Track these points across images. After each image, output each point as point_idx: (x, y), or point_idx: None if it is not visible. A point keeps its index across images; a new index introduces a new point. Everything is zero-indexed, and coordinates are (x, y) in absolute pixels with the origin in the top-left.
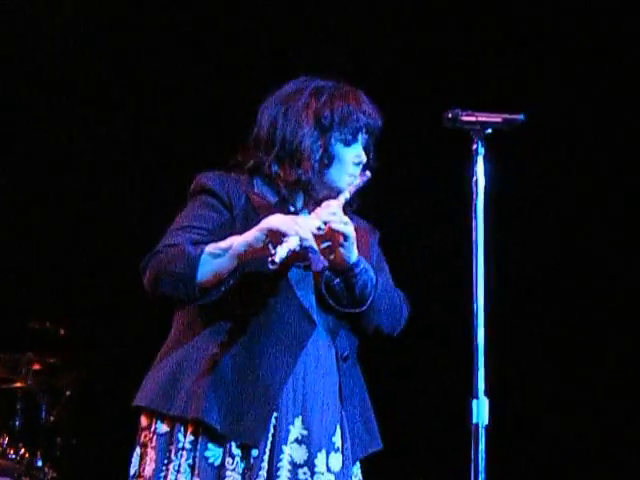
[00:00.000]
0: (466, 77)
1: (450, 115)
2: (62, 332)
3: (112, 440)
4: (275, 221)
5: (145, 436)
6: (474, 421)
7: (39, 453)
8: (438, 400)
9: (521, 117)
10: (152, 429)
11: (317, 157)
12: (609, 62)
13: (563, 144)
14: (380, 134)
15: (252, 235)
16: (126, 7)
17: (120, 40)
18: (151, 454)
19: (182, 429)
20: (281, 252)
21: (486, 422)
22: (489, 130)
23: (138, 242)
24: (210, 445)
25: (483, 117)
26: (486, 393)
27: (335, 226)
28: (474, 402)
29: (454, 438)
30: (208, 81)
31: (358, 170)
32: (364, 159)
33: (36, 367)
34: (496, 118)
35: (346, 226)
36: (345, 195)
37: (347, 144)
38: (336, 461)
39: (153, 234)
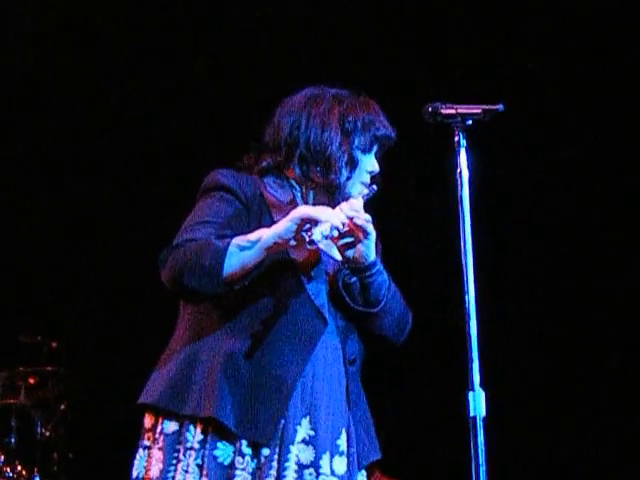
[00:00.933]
0: (447, 70)
1: (430, 109)
2: (54, 345)
3: (108, 452)
4: (306, 209)
5: (149, 438)
6: (471, 414)
7: (36, 469)
8: (434, 394)
9: (500, 107)
10: (158, 429)
11: (343, 162)
12: (593, 51)
13: (547, 136)
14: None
15: (283, 226)
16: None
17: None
18: (158, 455)
19: (191, 428)
20: (317, 233)
21: (483, 414)
22: (469, 122)
23: (128, 255)
24: (219, 444)
25: (463, 109)
26: (482, 385)
27: (359, 222)
28: (470, 394)
29: (453, 431)
30: (208, 81)
31: (369, 180)
32: (377, 169)
33: (29, 382)
34: (476, 109)
35: (368, 223)
36: (360, 200)
37: (365, 152)
38: (340, 464)
39: (142, 247)
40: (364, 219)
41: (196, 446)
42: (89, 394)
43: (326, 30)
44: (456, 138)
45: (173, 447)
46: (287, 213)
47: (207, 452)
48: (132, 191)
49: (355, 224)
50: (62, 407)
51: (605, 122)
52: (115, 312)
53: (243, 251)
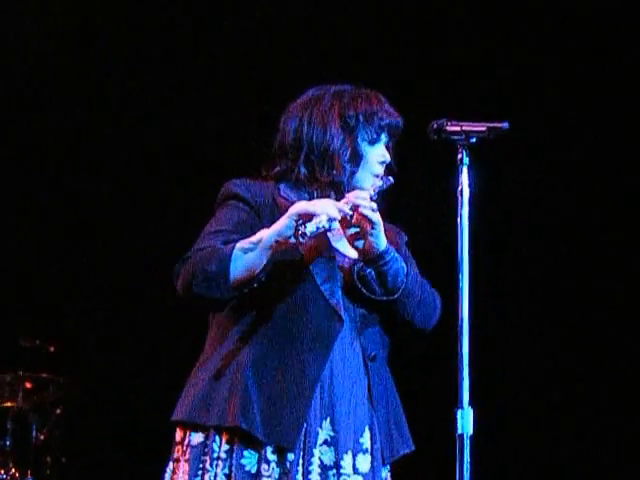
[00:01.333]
0: (452, 87)
1: (435, 126)
2: (52, 349)
3: (101, 456)
4: (302, 204)
5: (178, 450)
6: (459, 431)
7: (29, 472)
8: (423, 410)
9: (505, 125)
10: (185, 442)
11: (346, 157)
12: (593, 51)
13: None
14: (400, 136)
15: (281, 224)
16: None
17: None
18: (184, 467)
19: (217, 438)
20: (310, 226)
21: (471, 432)
22: (474, 139)
23: (128, 260)
24: (246, 452)
25: (468, 126)
26: (471, 403)
27: (364, 211)
28: (459, 412)
29: (440, 448)
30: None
31: (382, 170)
32: (388, 158)
33: (27, 386)
34: (480, 127)
35: (374, 213)
36: (370, 192)
37: (372, 143)
38: (364, 462)
39: (144, 252)
40: (370, 207)
41: (223, 456)
42: (85, 399)
43: (326, 30)
44: (459, 156)
45: (199, 458)
46: None
47: (234, 461)
48: (132, 191)
49: (361, 213)
50: (58, 411)
51: (605, 122)
52: (113, 316)
53: (247, 253)
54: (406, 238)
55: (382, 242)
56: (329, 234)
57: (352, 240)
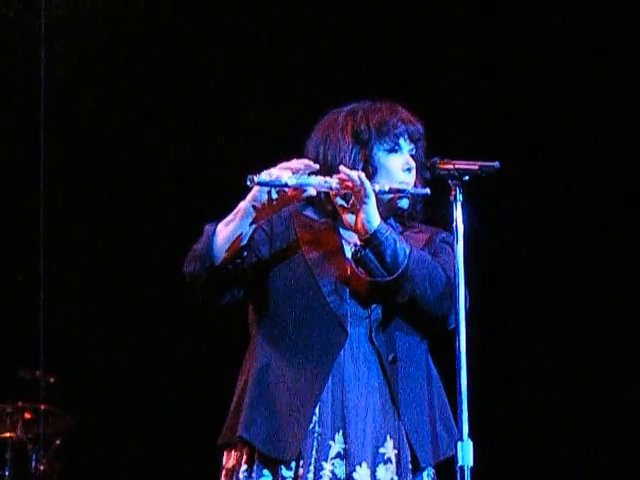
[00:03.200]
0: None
1: (428, 164)
2: (52, 380)
3: None
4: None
5: (220, 473)
6: (459, 463)
7: None
8: None
9: (496, 164)
10: (221, 465)
11: (359, 169)
12: (593, 51)
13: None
14: (426, 141)
15: (257, 189)
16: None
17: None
18: None
19: (242, 459)
20: (263, 174)
21: (471, 464)
22: (466, 177)
23: (127, 287)
24: (265, 471)
25: (460, 165)
26: (470, 435)
27: (345, 170)
28: (459, 444)
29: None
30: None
31: (410, 177)
32: (413, 165)
33: (26, 417)
34: (473, 166)
35: (363, 184)
36: (382, 187)
37: (391, 152)
38: (386, 472)
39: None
40: (356, 174)
41: (243, 475)
42: (84, 430)
43: (326, 30)
44: (453, 193)
45: (231, 478)
46: (316, 229)
47: None
48: (132, 191)
49: (342, 172)
50: (57, 442)
51: (605, 122)
52: (114, 348)
53: (228, 225)
54: (444, 235)
55: (374, 219)
56: (338, 223)
57: (344, 213)
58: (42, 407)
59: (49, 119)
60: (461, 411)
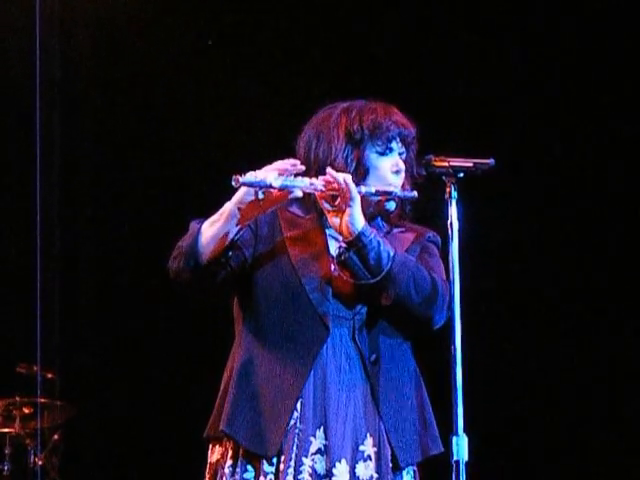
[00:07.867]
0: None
1: (423, 161)
2: (49, 376)
3: None
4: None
5: (204, 468)
6: (454, 458)
7: None
8: None
9: (491, 161)
10: (207, 459)
11: (351, 170)
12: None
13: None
14: (417, 145)
15: (242, 190)
16: None
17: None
18: None
19: (227, 454)
20: (248, 175)
21: (466, 458)
22: (461, 174)
23: (126, 285)
24: (249, 467)
25: (455, 162)
26: (465, 430)
27: (331, 172)
28: (454, 439)
29: (436, 475)
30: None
31: (398, 179)
32: (402, 167)
33: (24, 412)
34: (467, 163)
35: (349, 186)
36: (369, 189)
37: (382, 154)
38: (366, 469)
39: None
40: (343, 179)
41: (227, 471)
42: (82, 425)
43: (320, 28)
44: (447, 190)
45: (216, 472)
46: (301, 226)
47: (238, 477)
48: (133, 191)
49: (326, 179)
50: (55, 437)
51: (605, 122)
52: (112, 344)
53: (213, 225)
54: (431, 234)
55: (358, 222)
56: (324, 219)
57: (330, 216)
58: (40, 402)
59: (48, 119)
60: (456, 405)
